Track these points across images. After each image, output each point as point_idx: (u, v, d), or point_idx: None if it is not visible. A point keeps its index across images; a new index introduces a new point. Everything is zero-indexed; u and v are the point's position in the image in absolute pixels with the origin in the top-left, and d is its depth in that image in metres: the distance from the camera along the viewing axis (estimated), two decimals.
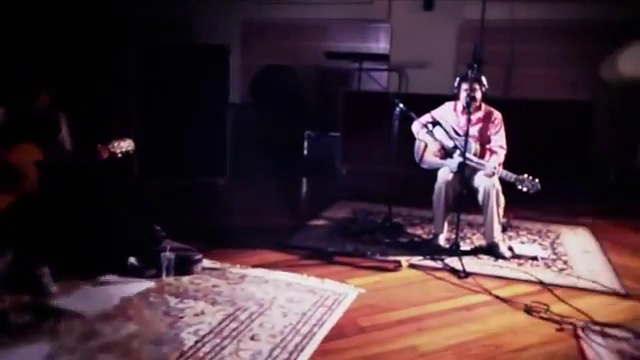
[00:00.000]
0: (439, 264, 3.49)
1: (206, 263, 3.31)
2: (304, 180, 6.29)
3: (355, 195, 5.33)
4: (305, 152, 6.87)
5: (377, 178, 5.35)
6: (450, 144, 3.87)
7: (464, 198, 3.80)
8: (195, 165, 5.51)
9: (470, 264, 3.47)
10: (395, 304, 2.91)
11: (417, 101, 4.19)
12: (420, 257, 3.59)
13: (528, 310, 2.85)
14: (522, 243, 3.98)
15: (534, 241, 4.06)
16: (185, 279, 3.08)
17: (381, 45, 7.60)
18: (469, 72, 3.56)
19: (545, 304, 2.90)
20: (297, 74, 7.56)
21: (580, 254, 3.80)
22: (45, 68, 4.12)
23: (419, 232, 4.21)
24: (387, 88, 7.61)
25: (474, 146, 3.79)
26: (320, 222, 4.42)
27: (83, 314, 2.59)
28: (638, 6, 6.40)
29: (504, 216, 3.89)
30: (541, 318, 2.78)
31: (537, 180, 3.59)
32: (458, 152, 3.79)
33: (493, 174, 3.67)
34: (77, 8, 5.47)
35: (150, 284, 2.97)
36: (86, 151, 3.10)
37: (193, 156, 5.48)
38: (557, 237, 4.18)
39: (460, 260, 3.42)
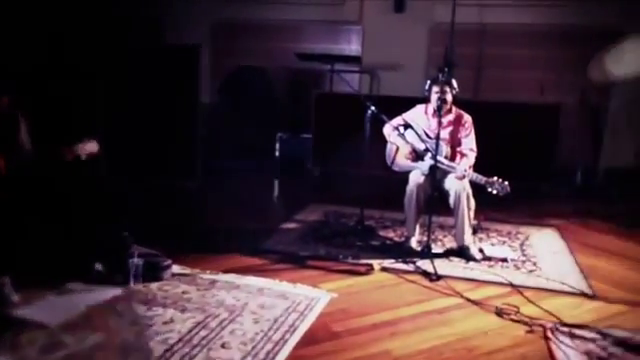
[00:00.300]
0: (411, 267, 3.50)
1: (176, 269, 3.24)
2: (276, 182, 6.25)
3: (327, 197, 5.31)
4: (277, 154, 6.84)
5: (349, 180, 5.35)
6: (421, 147, 3.88)
7: (435, 200, 3.83)
8: (165, 167, 5.41)
9: (442, 266, 3.48)
10: (368, 308, 2.89)
11: (389, 103, 4.19)
12: (392, 260, 3.59)
13: (499, 312, 2.87)
14: (492, 245, 4.02)
15: (504, 243, 4.11)
16: (154, 286, 3.01)
17: (353, 47, 7.61)
18: (440, 75, 3.58)
19: (515, 306, 2.92)
20: (269, 75, 7.51)
21: (549, 255, 3.86)
22: (5, 69, 3.97)
23: (391, 235, 4.21)
24: (359, 90, 7.63)
25: (445, 149, 3.81)
26: (292, 225, 4.38)
27: (46, 324, 2.49)
28: (603, 11, 6.57)
29: (475, 218, 3.92)
30: (511, 320, 2.80)
31: (506, 183, 3.64)
32: (429, 155, 3.81)
33: (464, 177, 3.70)
34: (42, 6, 5.31)
35: (117, 291, 2.88)
36: (49, 153, 3.00)
37: (163, 158, 5.38)
38: (526, 238, 4.24)
39: (432, 263, 3.43)
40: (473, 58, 7.09)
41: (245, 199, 5.30)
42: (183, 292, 2.96)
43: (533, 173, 5.78)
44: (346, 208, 4.82)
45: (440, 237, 4.20)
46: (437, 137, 3.60)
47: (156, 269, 3.10)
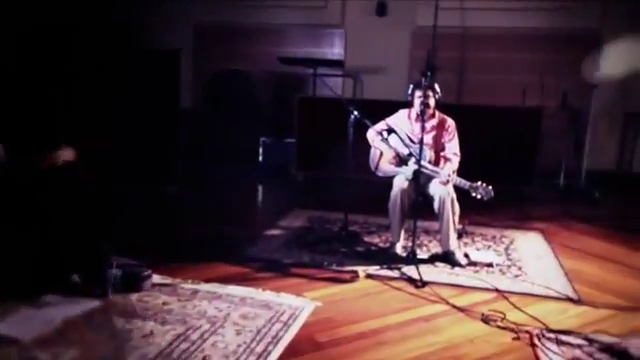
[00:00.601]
0: (396, 273, 3.45)
1: (156, 279, 3.16)
2: (259, 187, 6.17)
3: (312, 203, 5.26)
4: (260, 158, 6.77)
5: (333, 185, 5.32)
6: (405, 152, 3.85)
7: (420, 205, 3.80)
8: (145, 173, 5.30)
9: (427, 272, 3.44)
10: (353, 317, 2.84)
11: (372, 107, 4.17)
12: (377, 267, 3.54)
13: (485, 319, 2.84)
14: (477, 250, 4.00)
15: (489, 247, 4.09)
16: (133, 297, 2.93)
17: (336, 50, 7.58)
18: (422, 79, 3.55)
19: (501, 312, 2.90)
20: (252, 79, 7.46)
21: (534, 259, 3.85)
22: None
23: (376, 240, 4.17)
24: (342, 94, 7.61)
25: (429, 153, 3.78)
26: (276, 232, 4.32)
27: (20, 339, 2.41)
28: (584, 15, 6.63)
29: (459, 223, 3.90)
30: (498, 327, 2.77)
31: (490, 187, 3.62)
32: (413, 160, 3.78)
33: (447, 182, 3.67)
34: (21, 10, 5.18)
35: (94, 304, 2.80)
36: (25, 160, 2.90)
37: (143, 164, 5.28)
38: (511, 242, 4.23)
39: (417, 269, 3.40)
40: (456, 62, 7.10)
41: (228, 205, 5.24)
42: (163, 303, 2.88)
43: (516, 176, 5.79)
44: (330, 213, 4.77)
45: (425, 242, 4.16)
46: (421, 142, 3.57)
47: (136, 279, 3.02)
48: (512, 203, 5.48)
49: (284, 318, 2.76)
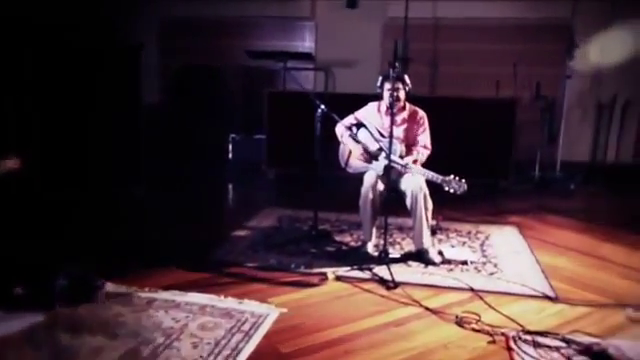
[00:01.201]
0: (367, 274, 3.29)
1: (110, 287, 2.94)
2: (229, 186, 5.96)
3: (283, 201, 5.07)
4: (230, 156, 6.56)
5: (305, 182, 5.13)
6: (375, 147, 3.69)
7: (393, 201, 3.64)
8: (105, 174, 5.04)
9: (399, 272, 3.29)
10: (320, 324, 2.67)
11: (345, 101, 3.99)
12: (347, 268, 3.38)
13: (459, 322, 2.70)
14: (452, 247, 3.86)
15: (464, 244, 3.96)
16: (82, 309, 2.71)
17: (307, 44, 7.40)
18: (391, 71, 3.38)
19: (476, 314, 2.76)
20: (221, 74, 7.23)
21: (509, 255, 3.73)
22: None
23: (347, 239, 4.00)
24: (314, 88, 7.44)
25: (399, 148, 3.63)
26: (243, 233, 4.12)
27: None
28: (556, 5, 6.55)
29: (433, 219, 3.77)
30: (473, 330, 2.63)
31: (464, 181, 3.47)
32: (383, 154, 3.62)
33: (405, 167, 3.49)
34: None
35: (38, 318, 2.58)
36: None
37: (105, 165, 5.02)
38: (486, 238, 4.10)
39: (389, 269, 3.24)
40: (428, 53, 6.98)
41: (195, 205, 5.02)
42: (116, 314, 2.68)
43: (492, 169, 5.70)
44: (301, 212, 4.59)
45: (398, 240, 4.01)
46: (390, 135, 3.40)
47: (86, 289, 2.80)
48: (487, 197, 5.38)
49: (246, 327, 2.58)
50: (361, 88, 5.78)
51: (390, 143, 3.41)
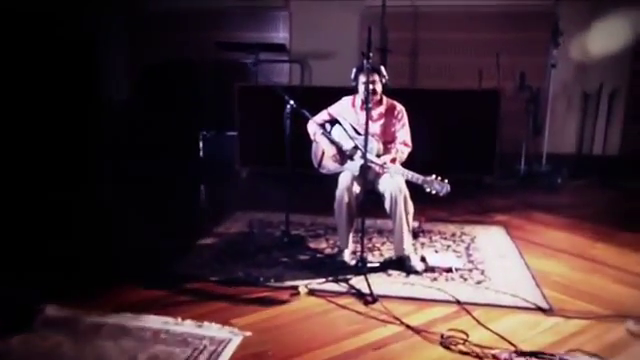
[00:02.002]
0: (344, 287, 3.00)
1: (51, 311, 2.60)
2: (199, 187, 5.60)
3: (256, 202, 4.73)
4: (201, 154, 6.21)
5: (279, 182, 4.80)
6: (350, 145, 3.39)
7: (371, 203, 3.35)
8: (59, 177, 4.67)
9: (378, 283, 3.00)
10: (287, 349, 2.37)
11: (322, 95, 3.67)
12: (322, 279, 3.08)
13: (445, 343, 2.41)
14: (436, 251, 3.58)
15: (448, 247, 3.68)
16: (15, 340, 2.36)
17: (281, 34, 7.05)
18: (365, 62, 3.06)
19: (464, 332, 2.48)
20: (191, 68, 6.84)
21: (497, 260, 3.46)
22: None
23: (323, 246, 3.70)
24: (289, 81, 7.11)
25: (376, 146, 3.32)
26: (210, 240, 3.79)
27: None
28: None
29: (415, 220, 3.49)
30: (460, 352, 2.35)
31: (446, 181, 3.16)
32: (359, 153, 3.31)
33: (382, 167, 3.20)
34: None
35: None
36: None
37: (61, 167, 4.65)
38: (472, 240, 3.83)
39: (367, 280, 2.94)
40: (408, 43, 6.69)
41: (160, 210, 4.66)
42: (55, 346, 2.34)
43: (475, 165, 5.43)
44: (274, 215, 4.27)
45: (378, 244, 3.72)
46: (366, 132, 3.09)
47: (20, 315, 2.46)
48: (471, 194, 5.11)
49: (203, 358, 2.26)
50: (339, 81, 5.43)
51: (366, 141, 3.09)
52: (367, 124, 3.08)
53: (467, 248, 3.67)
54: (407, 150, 3.46)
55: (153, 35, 7.02)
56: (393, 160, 3.30)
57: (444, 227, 4.12)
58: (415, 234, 3.80)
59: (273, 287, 3.00)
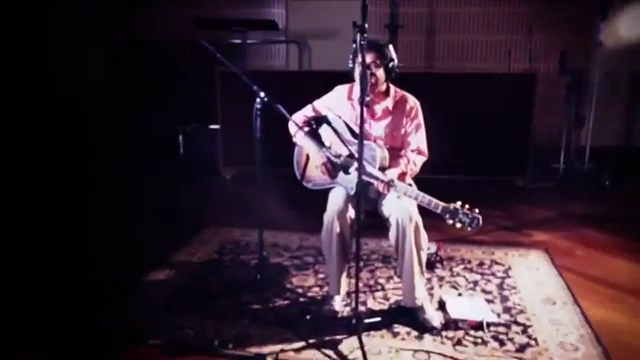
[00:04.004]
0: (329, 357, 2.12)
1: None
2: (172, 193, 4.68)
3: (236, 214, 3.82)
4: (181, 151, 5.35)
5: (269, 187, 3.88)
6: (343, 152, 2.49)
7: (371, 227, 2.48)
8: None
9: (380, 348, 2.13)
10: None
11: (323, 80, 2.74)
12: (300, 343, 2.21)
13: None
14: (458, 294, 2.68)
15: (475, 285, 2.77)
16: None
17: (275, 10, 6.12)
18: (358, 37, 2.12)
19: None
20: (169, 51, 5.95)
21: (543, 307, 2.55)
22: None
23: (309, 282, 2.81)
24: (286, 65, 6.20)
25: (380, 153, 2.41)
26: (163, 274, 2.91)
27: None
28: None
29: (431, 245, 2.61)
30: None
31: (477, 211, 2.23)
32: (356, 165, 2.41)
33: (388, 186, 2.29)
34: None
35: None
36: None
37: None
38: (506, 273, 2.92)
39: (362, 348, 2.07)
40: (423, 19, 5.71)
41: (115, 227, 3.73)
42: None
43: (505, 165, 4.51)
44: (254, 233, 3.38)
45: (382, 280, 2.83)
46: (360, 135, 2.16)
47: None
48: (500, 201, 4.19)
49: None
50: (343, 64, 4.55)
51: (360, 146, 2.17)
52: (362, 122, 2.15)
53: (501, 286, 2.76)
54: (422, 160, 2.55)
55: (125, 13, 6.10)
56: (403, 175, 2.40)
57: (469, 252, 3.21)
58: (430, 264, 2.91)
59: (231, 356, 2.13)
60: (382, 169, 2.39)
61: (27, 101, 4.53)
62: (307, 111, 2.63)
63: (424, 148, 2.56)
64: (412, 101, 2.55)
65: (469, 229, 2.19)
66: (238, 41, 5.40)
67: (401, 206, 2.34)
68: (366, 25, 2.06)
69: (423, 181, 2.53)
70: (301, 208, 3.34)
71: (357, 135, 2.42)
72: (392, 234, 2.38)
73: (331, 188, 2.53)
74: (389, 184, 2.29)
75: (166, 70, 5.77)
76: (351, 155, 2.45)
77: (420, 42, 5.73)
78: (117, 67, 5.98)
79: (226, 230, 3.56)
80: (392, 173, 2.36)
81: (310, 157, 2.57)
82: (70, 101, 5.38)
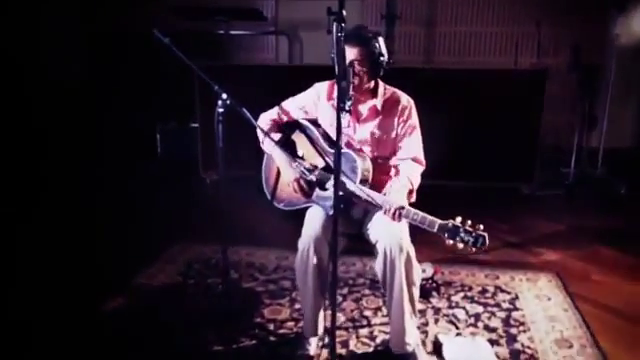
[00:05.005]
0: None
1: None
2: (144, 201, 4.21)
3: (204, 228, 3.39)
4: (159, 151, 4.94)
5: (246, 192, 3.44)
6: (319, 163, 2.09)
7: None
8: None
9: None
10: None
11: (313, 75, 2.32)
12: None
13: None
14: (458, 332, 2.28)
15: (476, 320, 2.37)
16: None
17: (265, 1, 5.67)
18: (334, 27, 1.69)
19: None
20: (146, 43, 5.48)
21: (558, 351, 2.15)
22: None
23: (283, 315, 2.41)
24: (275, 59, 5.78)
25: (360, 164, 2.00)
26: (116, 302, 2.50)
27: None
28: None
29: (422, 262, 2.24)
30: None
31: (481, 227, 1.82)
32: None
33: (399, 215, 1.90)
34: None
35: None
36: None
37: None
38: (513, 304, 2.51)
39: None
40: (423, 8, 5.28)
41: (72, 242, 3.26)
42: None
43: (510, 170, 4.10)
44: (230, 250, 2.98)
45: (368, 312, 2.44)
46: (337, 141, 1.73)
47: None
48: (504, 210, 3.78)
49: None
50: None
51: (337, 154, 1.73)
52: (339, 126, 1.71)
53: (507, 322, 2.36)
54: (420, 171, 2.14)
55: (104, 4, 5.65)
56: (410, 194, 2.04)
57: (470, 275, 2.81)
58: (425, 292, 2.51)
59: None
60: (363, 181, 1.99)
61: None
62: (274, 113, 2.22)
63: (421, 155, 2.15)
64: (405, 100, 2.14)
65: (473, 250, 1.78)
66: (221, 32, 4.97)
67: (390, 232, 1.94)
68: (344, 12, 1.63)
69: (417, 188, 2.13)
70: (284, 217, 2.93)
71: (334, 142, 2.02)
72: (379, 265, 1.98)
73: (306, 208, 2.13)
74: (400, 212, 1.87)
75: (146, 64, 5.31)
76: (328, 167, 2.05)
77: (419, 34, 5.30)
78: (96, 60, 5.54)
79: (197, 246, 3.15)
80: (398, 194, 1.95)
81: (281, 172, 2.16)
82: (46, 95, 4.99)
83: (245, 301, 2.51)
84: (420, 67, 4.79)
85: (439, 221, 1.82)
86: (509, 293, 2.61)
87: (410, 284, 1.94)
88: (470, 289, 2.65)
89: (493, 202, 3.92)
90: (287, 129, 2.19)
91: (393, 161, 2.14)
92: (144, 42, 5.56)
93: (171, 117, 4.96)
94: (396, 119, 2.12)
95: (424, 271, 2.74)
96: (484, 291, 2.63)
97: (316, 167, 2.10)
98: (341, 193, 1.93)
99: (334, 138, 2.04)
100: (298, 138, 2.16)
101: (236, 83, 4.22)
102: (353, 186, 1.95)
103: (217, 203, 2.54)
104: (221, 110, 2.13)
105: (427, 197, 2.04)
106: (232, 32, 4.82)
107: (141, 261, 2.93)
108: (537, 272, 2.85)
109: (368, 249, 2.10)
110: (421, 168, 2.15)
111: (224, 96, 2.11)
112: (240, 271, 2.80)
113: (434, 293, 2.57)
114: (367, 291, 2.61)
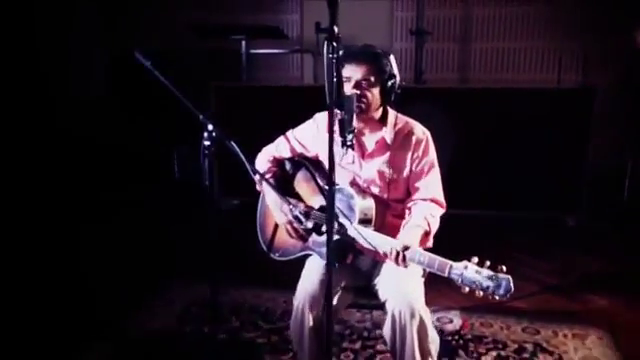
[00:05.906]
0: None
1: None
2: (156, 227, 3.97)
3: (228, 254, 3.09)
4: (176, 175, 4.75)
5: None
6: (315, 203, 1.79)
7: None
8: None
9: None
10: None
11: None
12: None
13: None
14: None
15: None
16: None
17: (290, 16, 5.47)
18: (325, 46, 1.37)
19: None
20: (167, 61, 5.33)
21: None
22: None
23: None
24: (301, 78, 5.55)
25: (359, 202, 1.69)
26: (97, 355, 2.25)
27: None
28: None
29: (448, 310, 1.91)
30: None
31: (504, 269, 1.45)
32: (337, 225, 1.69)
33: (403, 259, 1.56)
34: None
35: None
36: None
37: None
38: None
39: None
40: (456, 23, 4.95)
41: (69, 279, 2.99)
42: None
43: (552, 198, 3.70)
44: (236, 291, 2.73)
45: None
46: (330, 176, 1.39)
47: None
48: (544, 246, 3.38)
49: None
50: None
51: (329, 192, 1.39)
52: (332, 159, 1.39)
53: None
54: (439, 213, 1.80)
55: (127, 20, 5.55)
56: (426, 236, 1.71)
57: (504, 329, 2.42)
58: (451, 351, 2.15)
59: None
60: (365, 222, 1.67)
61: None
62: (272, 147, 1.94)
63: (441, 197, 1.82)
64: (420, 131, 1.82)
65: (496, 298, 1.43)
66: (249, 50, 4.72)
67: (401, 291, 1.62)
68: (335, 28, 1.32)
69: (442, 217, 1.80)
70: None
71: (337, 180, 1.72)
72: (387, 331, 1.66)
73: (306, 256, 1.83)
74: (403, 255, 1.55)
75: (163, 82, 5.15)
76: (321, 208, 1.75)
77: (452, 50, 4.96)
78: (115, 78, 5.44)
79: (198, 287, 2.85)
80: (407, 231, 1.64)
81: (275, 216, 1.87)
82: (65, 112, 4.95)
83: (242, 357, 2.21)
84: (454, 88, 4.44)
85: (450, 263, 1.49)
86: (551, 354, 2.22)
87: (425, 355, 1.60)
88: (504, 347, 2.27)
89: (531, 236, 3.52)
90: (292, 165, 1.91)
91: (407, 203, 1.82)
92: (162, 60, 5.42)
93: (189, 138, 4.76)
94: (409, 154, 1.80)
95: (451, 321, 2.42)
96: (521, 349, 2.25)
97: (312, 208, 1.81)
98: (337, 237, 1.63)
99: (348, 175, 1.77)
100: (296, 175, 1.87)
101: (255, 105, 4.07)
102: (351, 228, 1.64)
103: (232, 233, 2.28)
104: (207, 143, 1.85)
105: (452, 228, 1.68)
106: (252, 51, 4.59)
107: (137, 300, 2.68)
108: (585, 326, 2.43)
109: (377, 305, 1.78)
110: (441, 210, 1.82)
111: (210, 127, 1.83)
112: (242, 317, 2.51)
113: (461, 352, 2.21)
114: (382, 347, 2.26)
